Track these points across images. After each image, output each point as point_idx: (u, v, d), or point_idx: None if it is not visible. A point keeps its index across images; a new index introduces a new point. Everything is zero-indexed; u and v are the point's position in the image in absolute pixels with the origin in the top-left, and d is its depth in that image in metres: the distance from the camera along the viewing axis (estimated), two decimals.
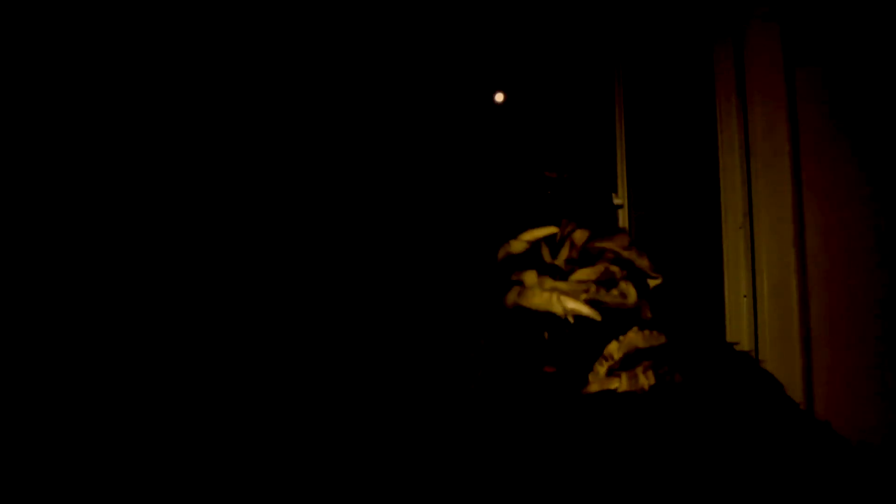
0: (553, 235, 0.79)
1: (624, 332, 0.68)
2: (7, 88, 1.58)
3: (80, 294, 1.56)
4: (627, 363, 0.66)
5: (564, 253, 0.77)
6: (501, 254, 0.78)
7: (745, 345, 1.14)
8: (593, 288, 0.72)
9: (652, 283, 0.75)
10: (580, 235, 0.79)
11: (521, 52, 2.10)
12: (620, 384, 0.64)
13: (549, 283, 0.73)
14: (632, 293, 0.72)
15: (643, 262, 0.74)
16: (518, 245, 0.78)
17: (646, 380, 0.64)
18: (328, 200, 1.87)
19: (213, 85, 1.85)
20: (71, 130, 1.65)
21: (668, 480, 0.57)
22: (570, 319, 0.71)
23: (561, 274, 0.75)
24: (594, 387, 0.65)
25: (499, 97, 2.11)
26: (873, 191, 1.05)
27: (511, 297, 0.73)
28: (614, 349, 0.67)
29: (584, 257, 0.76)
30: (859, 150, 1.07)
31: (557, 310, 0.72)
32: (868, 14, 1.05)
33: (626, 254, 0.74)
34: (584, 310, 0.71)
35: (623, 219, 1.68)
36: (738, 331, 1.19)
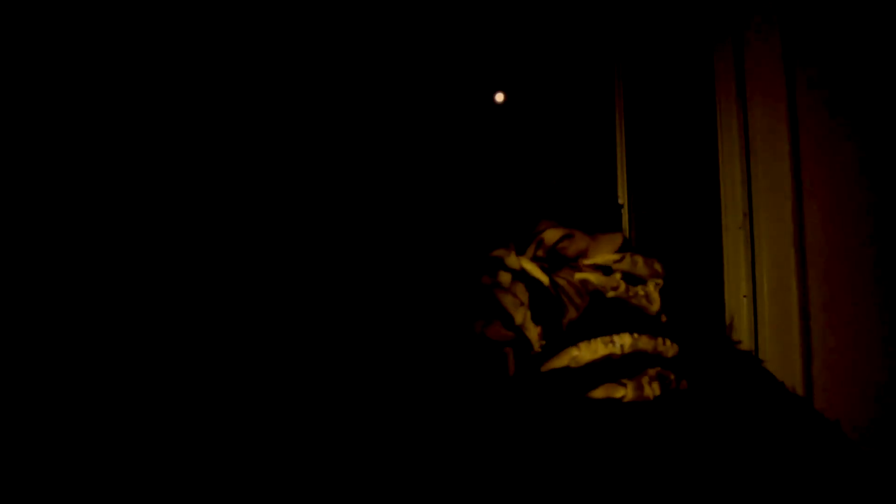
0: (528, 237, 0.76)
1: (637, 331, 0.66)
2: (6, 89, 1.57)
3: (79, 294, 1.55)
4: (633, 366, 0.64)
5: (530, 252, 0.75)
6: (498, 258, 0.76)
7: (746, 345, 1.14)
8: (622, 285, 0.70)
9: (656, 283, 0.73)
10: (551, 234, 0.76)
11: (521, 52, 2.10)
12: (626, 394, 0.63)
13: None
14: (656, 300, 0.69)
15: (638, 300, 0.71)
16: (515, 263, 0.74)
17: (651, 391, 0.63)
18: (327, 200, 1.86)
19: (213, 85, 1.85)
20: (70, 130, 1.65)
21: (676, 482, 0.56)
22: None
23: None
24: (599, 392, 0.63)
25: (499, 97, 2.11)
26: (874, 190, 1.05)
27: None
28: (627, 341, 0.65)
29: (553, 259, 0.74)
30: (859, 149, 1.07)
31: (514, 265, 0.71)
32: (868, 14, 1.05)
33: (611, 293, 0.71)
34: (537, 273, 0.70)
35: (623, 219, 1.68)
36: (738, 331, 1.19)
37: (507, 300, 0.69)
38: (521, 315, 0.68)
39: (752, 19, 1.22)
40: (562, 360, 0.65)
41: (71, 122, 1.65)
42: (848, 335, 1.07)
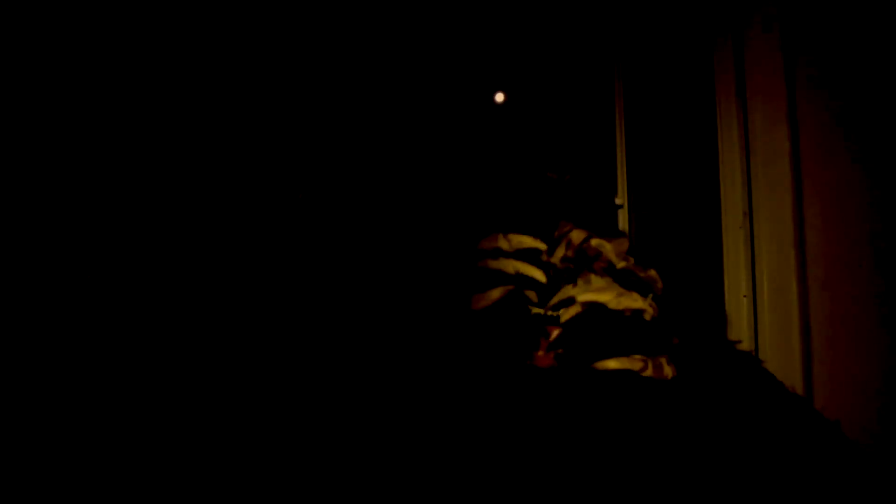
0: (548, 240, 0.79)
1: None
2: (6, 88, 1.57)
3: (79, 294, 1.55)
4: (647, 345, 0.67)
5: (560, 251, 0.78)
6: (488, 246, 0.79)
7: (746, 345, 1.14)
8: (632, 259, 0.74)
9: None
10: (577, 235, 0.79)
11: (521, 52, 2.11)
12: (648, 369, 0.65)
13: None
14: (658, 278, 0.74)
15: (646, 274, 0.76)
16: (505, 244, 0.79)
17: (669, 371, 0.65)
18: (327, 200, 1.87)
19: (211, 84, 1.85)
20: (69, 131, 1.65)
21: (678, 481, 0.56)
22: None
23: (556, 271, 0.75)
24: (615, 363, 0.65)
25: (499, 97, 2.11)
26: (873, 190, 1.05)
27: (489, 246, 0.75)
28: (655, 306, 0.68)
29: (581, 257, 0.77)
30: (859, 149, 1.07)
31: (508, 269, 0.74)
32: (868, 14, 1.05)
33: (622, 264, 0.75)
34: (534, 272, 0.73)
35: (623, 219, 1.68)
36: (738, 331, 1.19)
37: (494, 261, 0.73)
38: (510, 265, 0.71)
39: (752, 19, 1.22)
40: (603, 296, 0.67)
41: (72, 121, 1.65)
42: (848, 335, 1.07)
